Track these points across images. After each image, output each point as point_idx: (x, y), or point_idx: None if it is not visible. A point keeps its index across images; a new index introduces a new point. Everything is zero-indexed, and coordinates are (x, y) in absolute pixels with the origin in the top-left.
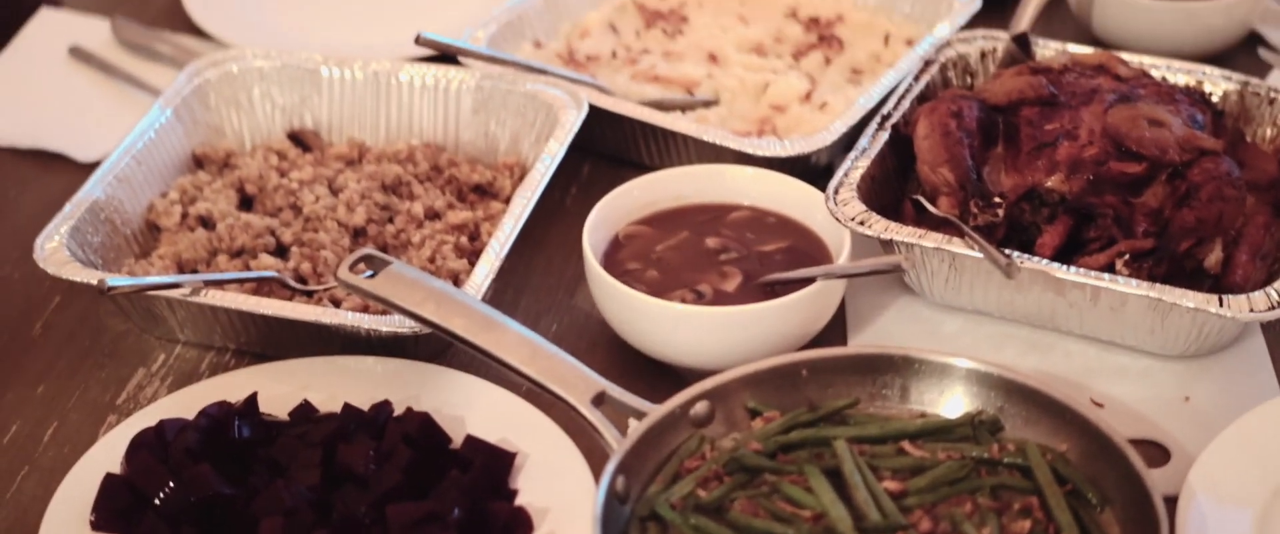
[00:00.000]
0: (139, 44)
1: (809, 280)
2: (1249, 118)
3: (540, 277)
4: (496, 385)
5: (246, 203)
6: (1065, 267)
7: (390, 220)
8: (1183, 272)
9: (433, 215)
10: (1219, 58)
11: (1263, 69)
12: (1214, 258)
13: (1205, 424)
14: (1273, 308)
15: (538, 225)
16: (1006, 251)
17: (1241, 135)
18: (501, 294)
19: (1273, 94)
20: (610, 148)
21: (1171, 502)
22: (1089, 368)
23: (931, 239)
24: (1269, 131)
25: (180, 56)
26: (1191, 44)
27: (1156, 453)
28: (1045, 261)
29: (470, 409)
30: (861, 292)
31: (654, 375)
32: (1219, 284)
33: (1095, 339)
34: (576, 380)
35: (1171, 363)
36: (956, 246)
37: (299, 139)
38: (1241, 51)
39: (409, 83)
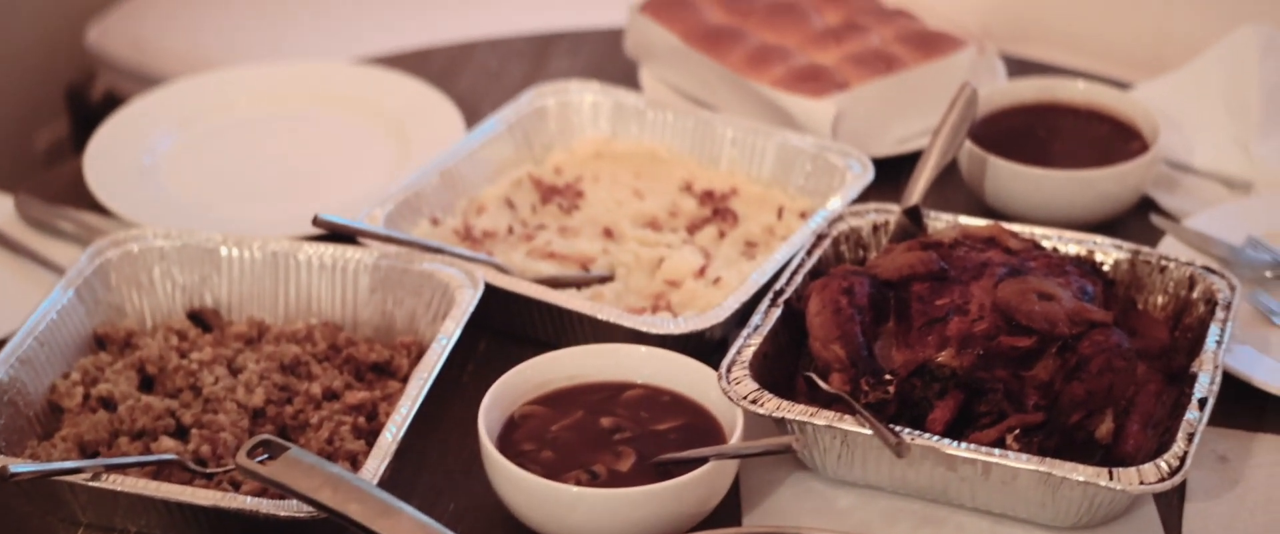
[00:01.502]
0: (43, 221)
1: (703, 459)
2: (1140, 286)
3: (437, 456)
4: None
5: (147, 383)
6: (955, 443)
7: (289, 401)
8: (1074, 443)
9: (331, 396)
10: (1113, 224)
11: (1155, 235)
12: (1105, 428)
13: None
14: (1163, 479)
15: (435, 404)
16: (896, 429)
17: (1133, 303)
18: (399, 474)
19: (1163, 262)
20: (507, 325)
21: None
22: None
23: (823, 417)
24: (1160, 299)
25: (84, 234)
26: (1085, 212)
27: None
28: (935, 438)
29: None
30: (756, 467)
31: None
32: (1111, 454)
33: (988, 512)
34: None
35: None
36: (848, 424)
37: (199, 318)
38: (1135, 217)
39: (307, 262)
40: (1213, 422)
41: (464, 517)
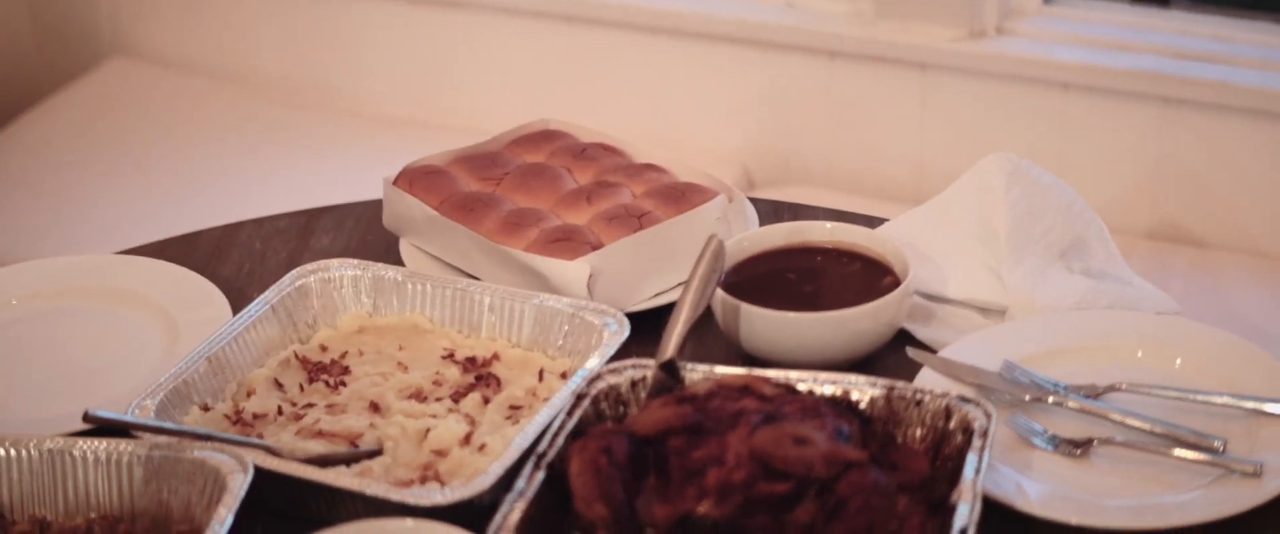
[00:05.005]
0: None
1: None
2: (897, 420)
3: None
4: None
5: None
6: None
7: None
8: None
9: None
10: (870, 361)
11: (913, 368)
12: None
13: None
14: None
15: None
16: None
17: (892, 438)
18: None
19: (918, 395)
20: (282, 505)
21: None
22: None
23: None
24: (919, 431)
25: None
26: (841, 351)
27: None
28: None
29: None
30: None
31: None
32: None
33: None
34: None
35: None
36: None
37: None
38: (893, 351)
39: (82, 458)
40: None
41: None
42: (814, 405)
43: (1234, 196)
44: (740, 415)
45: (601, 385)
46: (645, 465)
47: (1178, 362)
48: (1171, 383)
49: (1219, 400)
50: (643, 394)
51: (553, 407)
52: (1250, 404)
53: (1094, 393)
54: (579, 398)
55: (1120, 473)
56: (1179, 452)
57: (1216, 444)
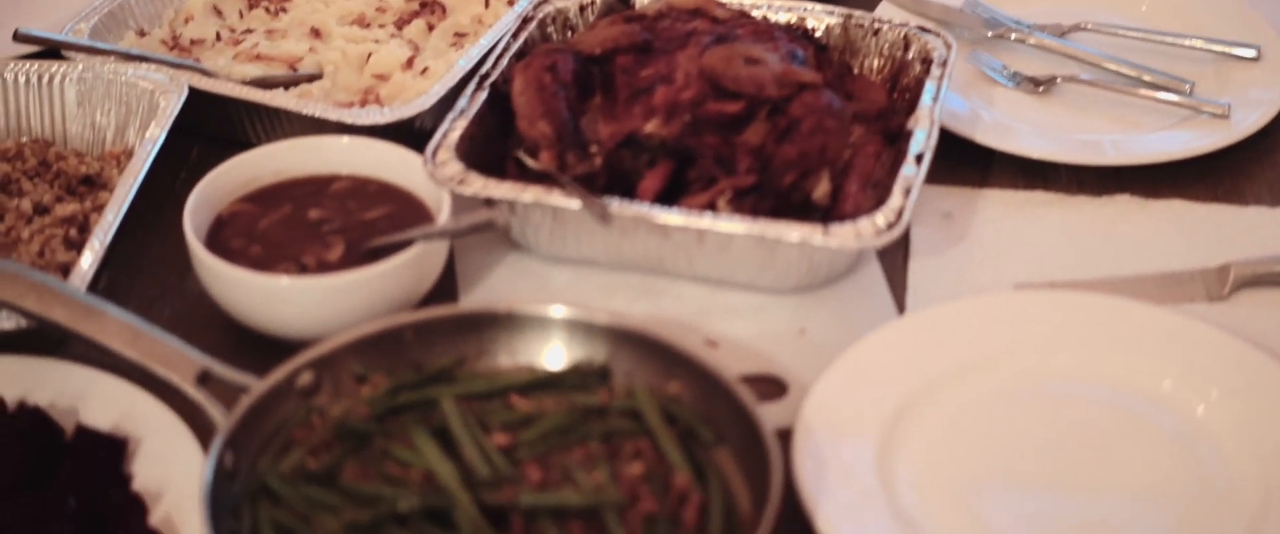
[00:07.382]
0: None
1: (411, 243)
2: (855, 50)
3: (152, 262)
4: (109, 374)
5: None
6: (665, 209)
7: (0, 219)
8: (791, 205)
9: (42, 210)
10: None
11: (873, 2)
12: (822, 190)
13: (822, 355)
14: (879, 234)
15: (149, 211)
16: (603, 199)
17: (849, 68)
18: (116, 282)
19: (876, 24)
20: (217, 130)
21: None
22: (702, 308)
23: (531, 193)
24: (876, 61)
25: None
26: None
27: (775, 388)
28: (645, 206)
29: (84, 400)
30: (472, 251)
31: (268, 352)
32: (829, 215)
33: (707, 280)
34: (179, 361)
35: (786, 297)
36: (555, 199)
37: None
38: None
39: (14, 81)
40: (938, 181)
41: (179, 320)
42: (768, 30)
43: None
44: (691, 36)
45: (549, 9)
46: (591, 85)
47: (1145, 5)
48: (1139, 25)
49: (1188, 43)
50: (592, 18)
51: (498, 30)
52: (1219, 47)
53: (1058, 31)
54: (525, 21)
55: (1083, 110)
56: (1145, 92)
57: (1185, 85)
